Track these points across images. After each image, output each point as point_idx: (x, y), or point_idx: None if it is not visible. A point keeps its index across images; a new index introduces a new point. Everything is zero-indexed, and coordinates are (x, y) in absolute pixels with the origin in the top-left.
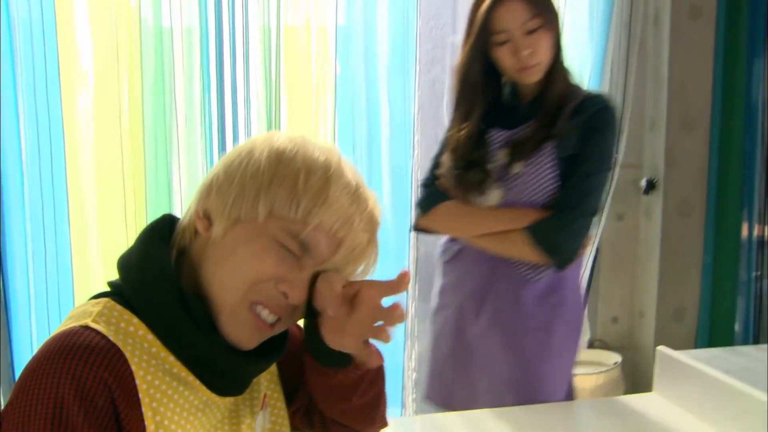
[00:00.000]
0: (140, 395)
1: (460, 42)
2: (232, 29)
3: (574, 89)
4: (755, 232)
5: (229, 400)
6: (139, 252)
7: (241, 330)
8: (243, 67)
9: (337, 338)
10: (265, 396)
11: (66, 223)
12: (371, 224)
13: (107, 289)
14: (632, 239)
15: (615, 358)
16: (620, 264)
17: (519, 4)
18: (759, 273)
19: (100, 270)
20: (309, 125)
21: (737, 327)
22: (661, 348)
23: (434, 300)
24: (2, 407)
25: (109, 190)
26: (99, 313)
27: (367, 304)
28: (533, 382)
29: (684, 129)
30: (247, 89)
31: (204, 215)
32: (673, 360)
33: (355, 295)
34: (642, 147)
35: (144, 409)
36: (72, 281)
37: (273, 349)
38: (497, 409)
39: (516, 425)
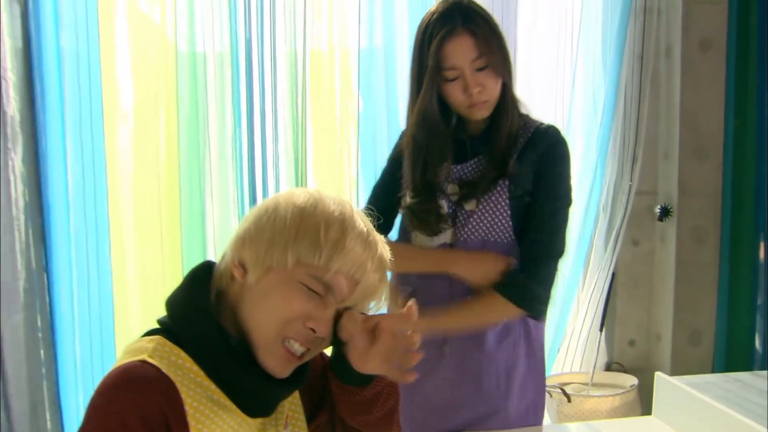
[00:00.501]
0: (188, 419)
1: None
2: (261, 55)
3: (525, 120)
4: None
5: (258, 420)
6: (183, 295)
7: (276, 362)
8: (271, 102)
9: (363, 363)
10: (287, 416)
11: (107, 251)
12: (381, 266)
13: (154, 321)
14: (648, 264)
15: (632, 380)
16: (636, 288)
17: (468, 40)
18: None
19: (137, 294)
20: (333, 158)
21: (759, 349)
22: (658, 373)
23: None
24: (48, 425)
25: (147, 221)
26: (153, 349)
27: (387, 333)
28: (499, 419)
29: (696, 158)
30: (275, 126)
31: (239, 264)
32: (670, 385)
33: (374, 327)
34: (656, 175)
35: (191, 430)
36: (112, 305)
37: (297, 376)
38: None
39: None
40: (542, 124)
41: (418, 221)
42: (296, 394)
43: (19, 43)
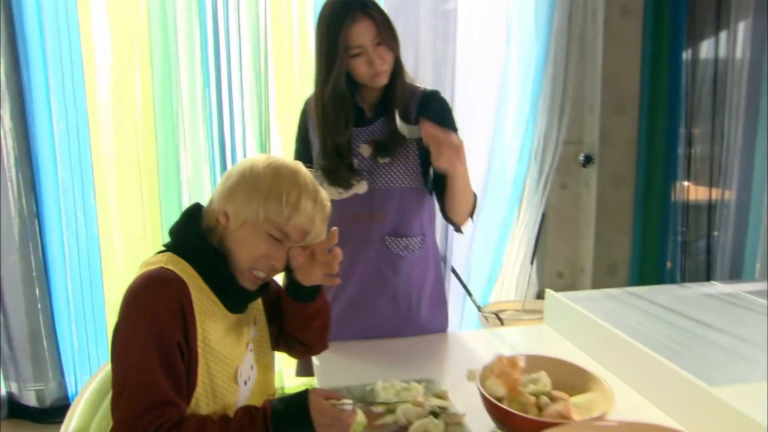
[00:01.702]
0: (194, 308)
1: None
2: (226, 9)
3: (411, 87)
4: (678, 197)
5: (234, 316)
6: (183, 227)
7: (246, 283)
8: (237, 58)
9: (308, 278)
10: (255, 318)
11: (92, 198)
12: (325, 217)
13: (136, 257)
14: (575, 206)
15: None
16: (564, 227)
17: (368, 22)
18: (684, 229)
19: (120, 235)
20: (294, 115)
21: (671, 269)
22: (548, 290)
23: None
24: (45, 352)
25: (127, 168)
26: (167, 260)
27: (319, 253)
28: (413, 327)
29: (616, 112)
30: (241, 82)
31: (224, 214)
32: (556, 299)
33: (311, 252)
34: (582, 127)
35: (196, 315)
36: (98, 246)
37: (261, 288)
38: (394, 339)
39: (412, 351)
40: (426, 89)
41: (331, 178)
42: (261, 304)
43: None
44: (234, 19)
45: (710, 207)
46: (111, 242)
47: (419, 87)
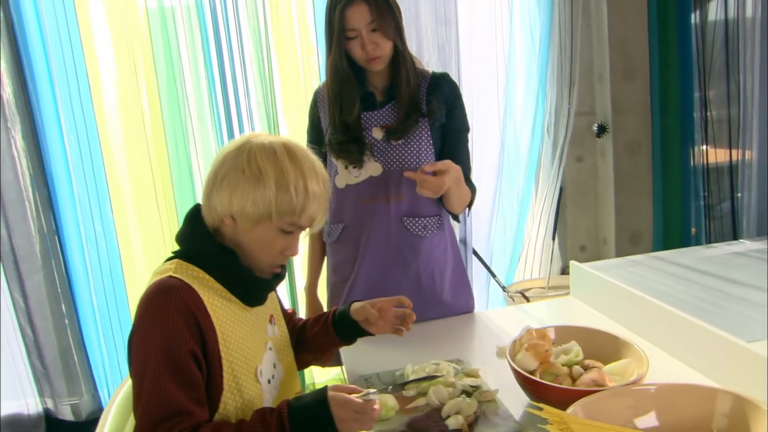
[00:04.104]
0: (209, 311)
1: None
2: (224, 6)
3: (420, 71)
4: (698, 160)
5: (253, 313)
6: (189, 230)
7: (265, 275)
8: (240, 61)
9: (377, 330)
10: (271, 315)
11: (109, 210)
12: (329, 192)
13: (157, 265)
14: (592, 177)
15: None
16: (583, 200)
17: (363, 7)
18: (706, 192)
19: (140, 245)
20: (302, 110)
21: (696, 234)
22: (572, 261)
23: (331, 276)
24: (77, 367)
25: (141, 179)
26: (175, 268)
27: (387, 311)
28: (437, 309)
29: (626, 78)
30: (246, 83)
31: (230, 216)
32: (582, 270)
33: (380, 309)
34: (593, 96)
35: (212, 319)
36: (120, 259)
37: (276, 277)
38: (421, 323)
39: (439, 333)
40: (435, 71)
41: (339, 152)
42: (276, 303)
43: (3, 29)
44: (233, 19)
45: (732, 168)
46: (131, 252)
47: (427, 71)
